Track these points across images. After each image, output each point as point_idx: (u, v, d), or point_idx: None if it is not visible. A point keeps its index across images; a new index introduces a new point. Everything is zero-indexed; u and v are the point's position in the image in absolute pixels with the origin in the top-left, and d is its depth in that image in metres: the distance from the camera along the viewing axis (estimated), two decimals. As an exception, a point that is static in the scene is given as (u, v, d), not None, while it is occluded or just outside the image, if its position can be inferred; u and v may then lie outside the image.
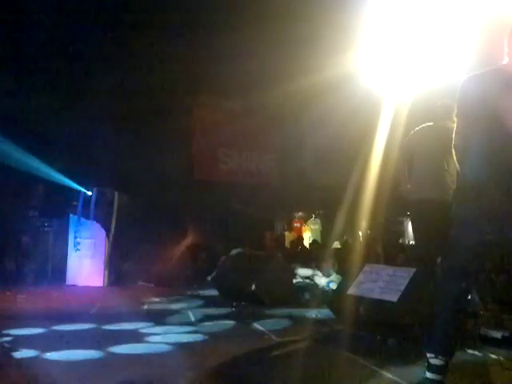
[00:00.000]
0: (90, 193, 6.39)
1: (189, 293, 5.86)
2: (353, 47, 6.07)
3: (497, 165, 2.09)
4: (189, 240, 8.40)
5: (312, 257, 6.96)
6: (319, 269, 5.97)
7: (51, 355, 2.73)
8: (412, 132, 3.74)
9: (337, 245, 8.42)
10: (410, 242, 9.56)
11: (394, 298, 3.08)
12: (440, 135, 3.32)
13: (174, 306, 4.65)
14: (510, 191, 2.06)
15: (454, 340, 2.31)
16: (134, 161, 8.07)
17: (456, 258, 2.25)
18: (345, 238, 8.95)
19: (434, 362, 2.21)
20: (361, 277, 3.56)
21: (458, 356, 2.81)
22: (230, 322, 3.76)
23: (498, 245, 2.22)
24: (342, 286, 3.73)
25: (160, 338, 3.23)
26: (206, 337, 3.28)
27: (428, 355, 2.23)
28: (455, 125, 2.28)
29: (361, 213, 7.48)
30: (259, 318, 3.90)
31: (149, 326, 3.60)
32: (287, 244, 8.78)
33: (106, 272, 6.20)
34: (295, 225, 11.44)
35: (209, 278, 6.44)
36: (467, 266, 2.22)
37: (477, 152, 2.15)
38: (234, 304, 4.17)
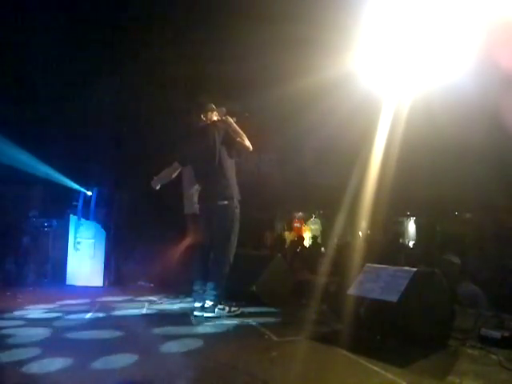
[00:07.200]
0: (89, 193, 6.37)
1: (189, 293, 5.84)
2: (352, 47, 6.08)
3: None
4: (189, 240, 8.37)
5: (313, 257, 6.96)
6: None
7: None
8: None
9: (334, 245, 8.41)
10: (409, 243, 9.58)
11: (394, 298, 3.08)
12: None
13: (174, 306, 4.65)
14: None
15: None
16: (134, 161, 8.06)
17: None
18: (343, 238, 8.95)
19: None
20: (361, 277, 3.56)
21: (458, 356, 2.82)
22: (230, 322, 3.76)
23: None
24: (341, 286, 3.73)
25: (159, 338, 3.23)
26: (206, 337, 3.28)
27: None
28: None
29: (361, 213, 7.48)
30: (259, 317, 3.90)
31: (148, 326, 3.60)
32: (287, 244, 8.79)
33: (106, 272, 6.20)
34: (295, 225, 11.44)
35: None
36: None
37: None
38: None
